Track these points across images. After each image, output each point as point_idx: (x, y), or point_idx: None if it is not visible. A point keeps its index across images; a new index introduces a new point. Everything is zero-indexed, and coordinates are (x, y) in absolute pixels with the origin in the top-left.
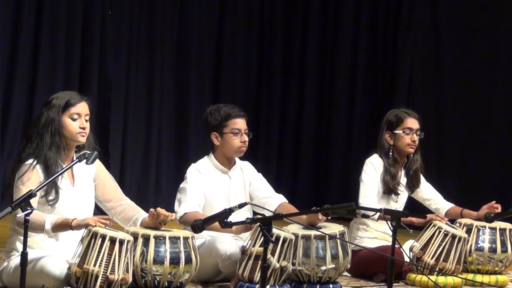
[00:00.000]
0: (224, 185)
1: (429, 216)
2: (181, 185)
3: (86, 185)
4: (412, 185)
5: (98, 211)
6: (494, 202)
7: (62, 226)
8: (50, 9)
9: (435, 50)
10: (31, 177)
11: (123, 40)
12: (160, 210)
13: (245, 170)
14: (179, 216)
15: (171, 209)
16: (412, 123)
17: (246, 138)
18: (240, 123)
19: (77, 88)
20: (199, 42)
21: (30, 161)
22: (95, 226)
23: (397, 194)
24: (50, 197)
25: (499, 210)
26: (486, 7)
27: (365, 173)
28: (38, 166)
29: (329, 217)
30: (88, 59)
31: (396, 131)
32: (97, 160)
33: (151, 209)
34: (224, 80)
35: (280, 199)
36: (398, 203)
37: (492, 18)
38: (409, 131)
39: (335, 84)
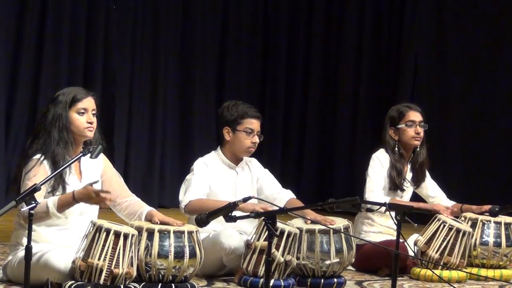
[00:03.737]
0: (231, 180)
1: (435, 207)
2: (187, 177)
3: (93, 181)
4: (418, 179)
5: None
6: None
7: (66, 203)
8: (54, 3)
9: (440, 43)
10: (38, 172)
11: (128, 34)
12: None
13: (252, 167)
14: (184, 204)
15: (175, 203)
16: (414, 115)
17: (257, 140)
18: (254, 124)
19: (81, 83)
20: (203, 36)
21: (38, 156)
22: (97, 196)
23: (402, 190)
24: (57, 193)
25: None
26: None
27: (372, 168)
28: (45, 162)
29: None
30: (93, 53)
31: (399, 126)
32: (105, 157)
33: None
34: (229, 73)
35: (288, 194)
36: (403, 199)
37: (497, 9)
38: (412, 123)
39: (339, 78)
